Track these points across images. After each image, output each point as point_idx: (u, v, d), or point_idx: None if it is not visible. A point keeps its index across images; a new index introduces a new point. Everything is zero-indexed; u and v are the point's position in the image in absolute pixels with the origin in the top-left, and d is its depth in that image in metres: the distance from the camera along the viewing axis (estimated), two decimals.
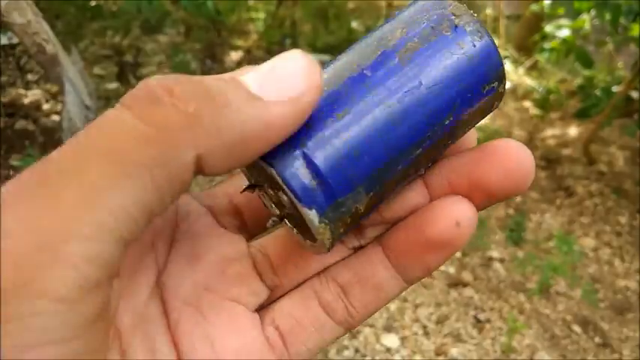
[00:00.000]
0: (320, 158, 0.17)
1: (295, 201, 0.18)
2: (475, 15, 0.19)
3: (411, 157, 0.19)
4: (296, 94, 0.16)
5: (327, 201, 0.18)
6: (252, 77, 0.16)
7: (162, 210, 0.16)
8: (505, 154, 0.21)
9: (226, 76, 0.17)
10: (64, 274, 0.14)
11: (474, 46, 0.18)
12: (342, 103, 0.18)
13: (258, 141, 0.16)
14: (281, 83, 0.16)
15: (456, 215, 0.20)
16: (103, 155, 0.14)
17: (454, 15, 0.18)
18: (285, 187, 0.18)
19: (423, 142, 0.19)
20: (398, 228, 0.22)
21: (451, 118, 0.19)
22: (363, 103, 0.18)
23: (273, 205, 0.20)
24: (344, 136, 0.18)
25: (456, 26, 0.18)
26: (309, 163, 0.17)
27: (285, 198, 0.18)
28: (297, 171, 0.17)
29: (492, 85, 0.19)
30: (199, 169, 0.16)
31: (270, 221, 0.21)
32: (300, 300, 0.23)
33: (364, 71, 0.18)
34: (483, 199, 0.21)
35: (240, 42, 3.51)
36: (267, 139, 0.16)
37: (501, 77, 0.19)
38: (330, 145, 0.17)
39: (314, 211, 0.18)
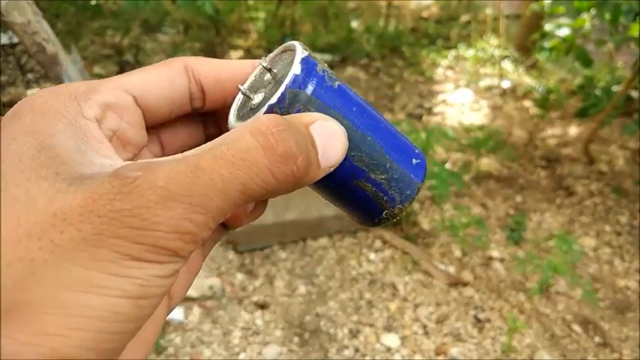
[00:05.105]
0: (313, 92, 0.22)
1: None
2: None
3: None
4: (332, 164, 0.22)
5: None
6: (319, 137, 0.21)
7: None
8: None
9: (306, 130, 0.20)
10: None
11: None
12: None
13: (298, 187, 0.21)
14: (329, 154, 0.21)
15: None
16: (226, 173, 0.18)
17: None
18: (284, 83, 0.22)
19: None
20: None
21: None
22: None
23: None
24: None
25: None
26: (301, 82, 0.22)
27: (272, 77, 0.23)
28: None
29: None
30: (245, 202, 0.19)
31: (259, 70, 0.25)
32: None
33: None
34: None
35: (240, 41, 3.51)
36: (303, 185, 0.21)
37: None
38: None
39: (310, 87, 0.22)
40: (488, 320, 1.67)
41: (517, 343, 1.60)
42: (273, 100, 0.21)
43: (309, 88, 0.22)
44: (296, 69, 0.22)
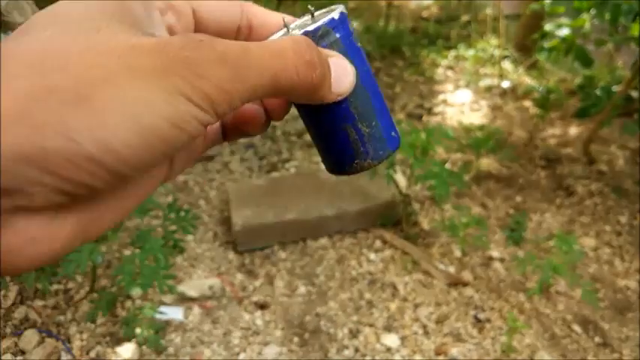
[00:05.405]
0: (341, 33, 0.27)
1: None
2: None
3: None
4: (340, 92, 0.26)
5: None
6: (334, 68, 0.26)
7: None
8: None
9: (326, 59, 0.25)
10: None
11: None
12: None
13: (312, 96, 0.25)
14: (340, 83, 0.26)
15: None
16: (267, 60, 0.22)
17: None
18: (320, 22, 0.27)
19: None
20: None
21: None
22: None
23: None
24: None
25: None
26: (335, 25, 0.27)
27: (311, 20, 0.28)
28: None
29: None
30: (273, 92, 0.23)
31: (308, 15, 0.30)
32: None
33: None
34: None
35: None
36: (315, 98, 0.26)
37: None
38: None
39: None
40: (488, 320, 1.68)
41: (517, 343, 1.60)
42: (310, 28, 0.26)
43: (339, 34, 0.27)
44: (335, 15, 0.27)
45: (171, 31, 0.25)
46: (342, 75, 0.26)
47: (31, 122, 0.17)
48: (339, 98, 0.26)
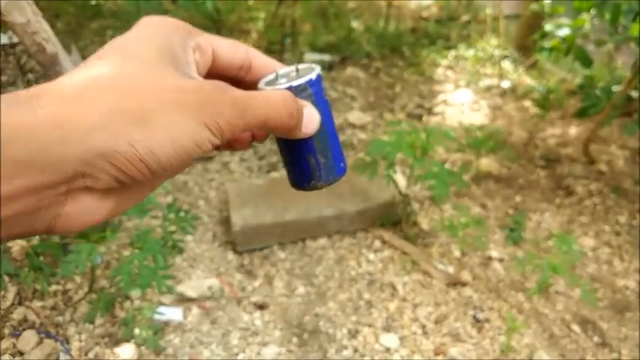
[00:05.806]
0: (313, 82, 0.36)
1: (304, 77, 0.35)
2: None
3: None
4: (307, 133, 0.35)
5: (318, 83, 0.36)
6: (305, 116, 0.34)
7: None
8: None
9: (301, 109, 0.34)
10: None
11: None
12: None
13: (288, 135, 0.35)
14: (308, 127, 0.35)
15: None
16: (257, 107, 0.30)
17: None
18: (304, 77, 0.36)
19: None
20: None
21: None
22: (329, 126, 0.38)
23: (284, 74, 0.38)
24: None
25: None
26: (311, 84, 0.36)
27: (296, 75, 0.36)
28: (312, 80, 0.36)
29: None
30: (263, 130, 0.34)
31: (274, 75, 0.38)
32: None
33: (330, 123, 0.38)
34: None
35: (240, 41, 3.50)
36: (290, 135, 0.35)
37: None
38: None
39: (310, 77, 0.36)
40: (487, 320, 1.68)
41: (516, 343, 1.60)
42: (294, 83, 0.35)
43: (314, 90, 0.36)
44: (313, 76, 0.36)
45: (197, 65, 0.33)
46: (310, 121, 0.35)
47: (109, 131, 0.25)
48: (306, 137, 0.36)
